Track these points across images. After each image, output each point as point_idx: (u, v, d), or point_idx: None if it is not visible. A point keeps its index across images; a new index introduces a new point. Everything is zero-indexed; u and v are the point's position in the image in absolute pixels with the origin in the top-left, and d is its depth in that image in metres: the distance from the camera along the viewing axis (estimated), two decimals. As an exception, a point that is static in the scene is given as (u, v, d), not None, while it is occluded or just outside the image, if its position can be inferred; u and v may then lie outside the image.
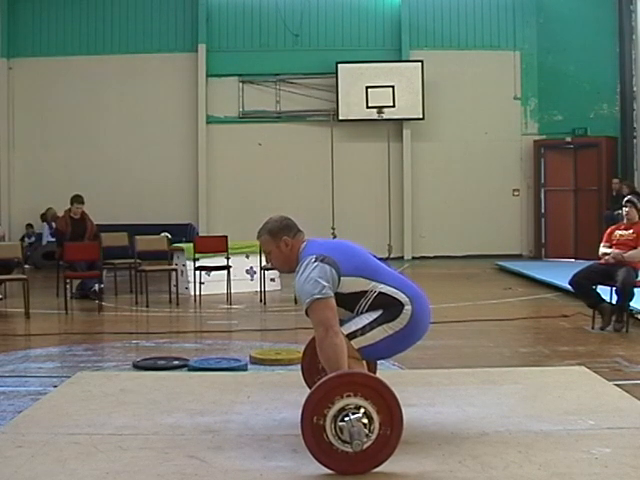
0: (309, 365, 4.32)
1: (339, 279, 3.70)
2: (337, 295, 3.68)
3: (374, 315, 3.74)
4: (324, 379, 3.43)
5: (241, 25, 16.97)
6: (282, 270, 4.04)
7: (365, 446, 3.31)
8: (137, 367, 5.83)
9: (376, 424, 3.35)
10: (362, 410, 3.33)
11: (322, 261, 3.69)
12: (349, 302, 3.76)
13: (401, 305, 3.74)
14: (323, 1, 16.94)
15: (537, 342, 7.35)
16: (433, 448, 3.62)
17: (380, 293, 3.75)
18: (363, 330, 3.71)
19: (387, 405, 3.36)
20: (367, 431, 3.32)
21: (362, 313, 3.77)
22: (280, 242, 3.88)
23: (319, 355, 3.62)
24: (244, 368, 5.69)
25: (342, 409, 3.34)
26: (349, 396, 3.35)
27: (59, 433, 3.88)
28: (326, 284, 3.63)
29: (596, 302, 7.50)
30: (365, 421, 3.32)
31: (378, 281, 3.77)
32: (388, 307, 3.75)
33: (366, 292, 3.75)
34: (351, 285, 3.74)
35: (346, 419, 3.31)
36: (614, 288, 7.36)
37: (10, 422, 4.17)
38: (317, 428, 3.34)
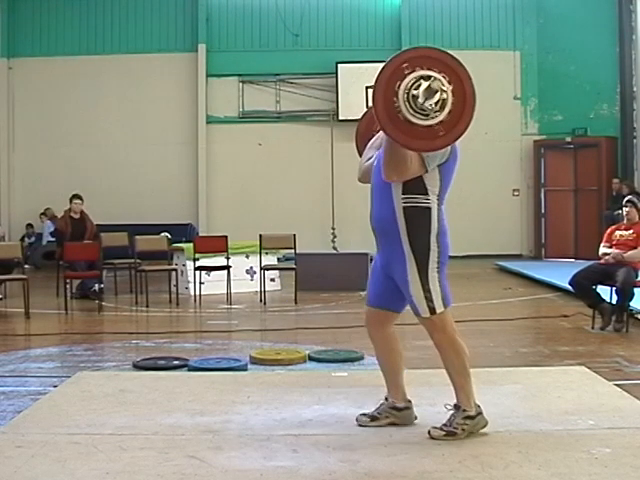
0: (365, 130, 4.25)
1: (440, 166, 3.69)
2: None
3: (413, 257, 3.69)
4: (426, 46, 3.62)
5: (241, 25, 16.97)
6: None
7: (422, 122, 3.40)
8: (137, 367, 5.83)
9: (442, 117, 3.42)
10: (444, 95, 3.40)
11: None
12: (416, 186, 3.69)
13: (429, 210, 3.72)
14: (323, 1, 16.94)
15: (537, 342, 7.35)
16: (433, 448, 3.62)
17: (426, 208, 3.71)
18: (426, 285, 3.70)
19: (462, 112, 3.46)
20: (431, 109, 3.39)
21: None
22: None
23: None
24: (244, 368, 5.68)
25: (429, 77, 3.40)
26: (443, 76, 3.42)
27: (59, 433, 3.88)
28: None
29: (596, 302, 7.50)
30: (437, 102, 3.39)
31: (437, 203, 3.74)
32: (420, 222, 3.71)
33: (428, 198, 3.70)
34: (429, 179, 3.69)
35: (431, 80, 3.38)
36: (614, 288, 7.36)
37: (10, 422, 4.17)
38: (399, 72, 3.40)
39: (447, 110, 3.41)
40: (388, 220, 3.72)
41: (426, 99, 3.37)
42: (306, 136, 16.72)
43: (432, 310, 3.71)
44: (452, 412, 3.79)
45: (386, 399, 4.03)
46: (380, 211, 3.78)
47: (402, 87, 3.39)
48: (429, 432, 3.76)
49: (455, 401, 3.82)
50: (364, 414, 4.02)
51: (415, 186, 3.66)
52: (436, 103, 3.38)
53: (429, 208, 3.69)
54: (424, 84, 3.37)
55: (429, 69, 3.41)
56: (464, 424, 3.74)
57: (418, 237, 3.68)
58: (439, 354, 3.86)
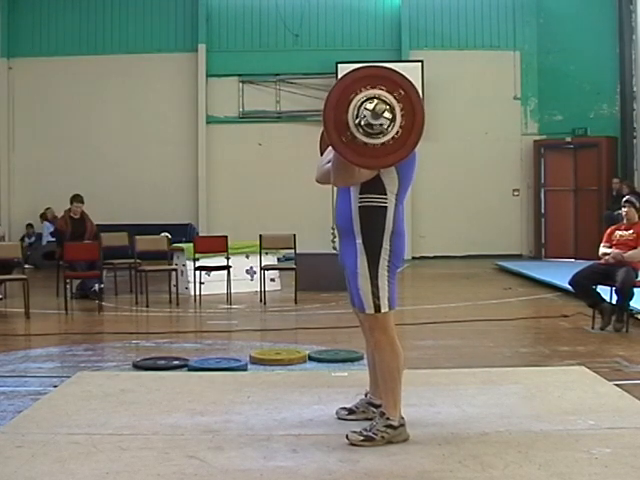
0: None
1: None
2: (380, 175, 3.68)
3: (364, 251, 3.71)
4: (373, 65, 3.58)
5: (241, 25, 16.98)
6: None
7: (372, 141, 3.42)
8: (137, 367, 5.83)
9: (389, 136, 3.43)
10: (392, 113, 3.42)
11: None
12: (371, 185, 3.70)
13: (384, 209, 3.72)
14: (323, 1, 16.95)
15: (537, 342, 7.35)
16: (433, 448, 3.62)
17: (381, 207, 3.71)
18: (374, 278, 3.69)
19: (412, 128, 3.46)
20: (380, 128, 3.42)
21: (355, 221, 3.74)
22: None
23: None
24: (244, 368, 5.68)
25: (376, 97, 3.43)
26: (388, 92, 3.44)
27: (59, 433, 3.88)
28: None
29: (596, 302, 7.50)
30: (387, 120, 3.42)
31: (393, 203, 3.73)
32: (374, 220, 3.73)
33: (385, 197, 3.71)
34: (387, 179, 3.70)
35: (375, 102, 3.41)
36: (614, 288, 7.37)
37: (10, 422, 4.17)
38: (348, 93, 3.45)
39: (396, 128, 3.44)
40: (347, 219, 3.77)
41: (374, 119, 3.40)
42: (306, 136, 16.65)
43: (377, 307, 3.70)
44: (376, 417, 3.77)
45: (366, 395, 4.10)
46: (342, 210, 3.82)
47: (351, 108, 3.43)
48: (347, 436, 3.70)
49: (382, 407, 3.80)
50: (343, 407, 4.11)
51: (373, 186, 3.69)
52: (385, 121, 3.41)
53: (385, 207, 3.71)
54: (371, 104, 3.40)
55: (376, 88, 3.44)
56: (385, 432, 3.68)
57: (372, 236, 3.70)
58: (375, 355, 3.81)
